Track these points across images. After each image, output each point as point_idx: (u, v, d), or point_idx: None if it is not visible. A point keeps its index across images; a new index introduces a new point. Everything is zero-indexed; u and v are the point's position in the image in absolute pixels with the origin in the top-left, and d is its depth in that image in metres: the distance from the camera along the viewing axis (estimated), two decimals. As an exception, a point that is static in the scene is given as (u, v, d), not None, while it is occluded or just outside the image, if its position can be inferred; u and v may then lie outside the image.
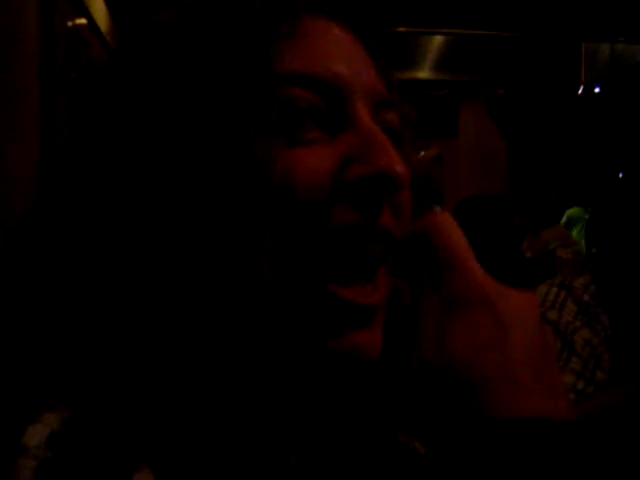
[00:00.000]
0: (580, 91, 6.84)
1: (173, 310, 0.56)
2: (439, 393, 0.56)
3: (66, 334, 0.56)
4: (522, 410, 0.53)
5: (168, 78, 0.59)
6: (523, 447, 0.51)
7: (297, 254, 0.57)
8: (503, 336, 0.56)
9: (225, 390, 0.58)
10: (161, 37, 0.62)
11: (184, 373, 0.56)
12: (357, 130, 0.59)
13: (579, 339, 1.71)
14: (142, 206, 0.56)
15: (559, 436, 0.52)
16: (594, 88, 6.82)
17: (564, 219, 6.36)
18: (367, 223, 0.58)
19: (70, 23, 3.33)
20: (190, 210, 0.55)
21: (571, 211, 6.49)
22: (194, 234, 0.55)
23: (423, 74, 6.95)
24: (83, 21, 3.59)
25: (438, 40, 6.56)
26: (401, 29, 5.12)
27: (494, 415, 0.53)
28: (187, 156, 0.56)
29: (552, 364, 0.58)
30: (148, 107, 0.59)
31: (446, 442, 0.56)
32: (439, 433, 0.57)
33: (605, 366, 1.71)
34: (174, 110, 0.57)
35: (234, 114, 0.57)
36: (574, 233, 5.85)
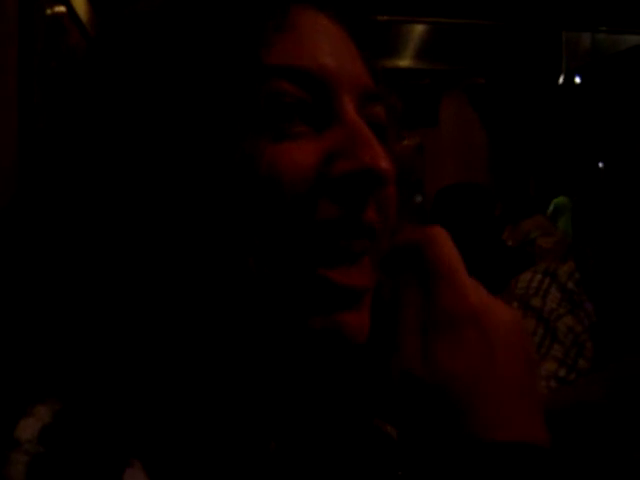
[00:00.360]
0: (561, 80, 6.86)
1: (159, 302, 0.56)
2: (420, 402, 0.55)
3: (58, 327, 0.56)
4: (504, 430, 0.53)
5: (151, 70, 0.58)
6: (503, 472, 0.51)
7: (284, 245, 0.57)
8: (490, 353, 0.55)
9: (216, 380, 0.58)
10: (144, 27, 0.61)
11: (175, 365, 0.56)
12: (343, 125, 0.59)
13: (562, 326, 1.71)
14: (125, 201, 0.56)
15: (538, 463, 0.52)
16: (575, 77, 6.85)
17: (551, 208, 6.38)
18: (351, 218, 0.58)
19: (49, 11, 3.30)
20: (175, 205, 0.56)
21: (557, 200, 6.51)
22: (179, 228, 0.56)
23: (404, 63, 6.95)
24: (62, 9, 3.56)
25: (419, 29, 6.56)
26: (383, 18, 5.12)
27: (475, 433, 0.53)
28: (171, 150, 0.56)
29: (534, 379, 0.58)
30: (131, 100, 0.58)
31: (423, 447, 0.56)
32: (414, 429, 0.57)
33: (588, 354, 1.71)
34: (158, 103, 0.57)
35: (220, 107, 0.56)
36: (561, 222, 5.87)
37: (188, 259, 0.56)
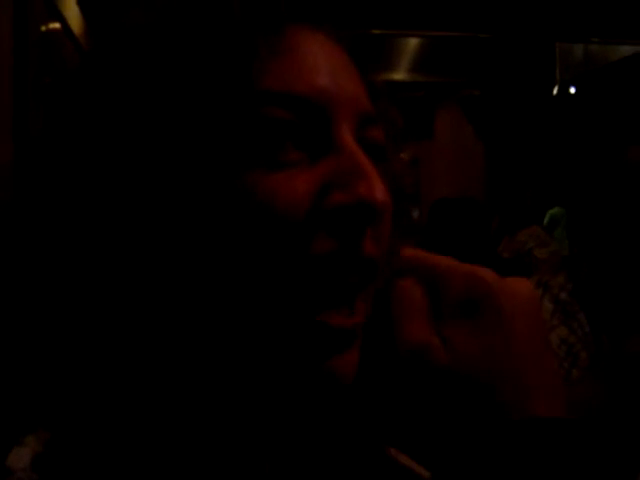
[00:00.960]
0: (555, 91, 6.88)
1: (153, 327, 0.55)
2: (443, 396, 0.56)
3: (50, 343, 0.55)
4: (530, 407, 0.54)
5: (143, 94, 0.57)
6: (535, 448, 0.52)
7: (278, 283, 0.55)
8: (509, 331, 0.56)
9: (208, 413, 0.58)
10: (136, 46, 0.59)
11: (167, 394, 0.56)
12: (339, 153, 0.57)
13: (555, 338, 1.71)
14: (120, 234, 0.55)
15: (566, 435, 0.53)
16: (569, 88, 6.87)
17: (546, 219, 6.38)
18: (348, 252, 0.56)
19: (44, 27, 3.31)
20: (164, 232, 0.55)
21: (553, 211, 6.52)
22: (170, 255, 0.55)
23: (399, 76, 6.97)
24: (57, 25, 3.57)
25: (414, 42, 6.58)
26: (376, 31, 5.13)
27: (502, 413, 0.54)
28: (160, 177, 0.55)
29: (551, 351, 0.59)
30: (123, 124, 0.57)
31: (453, 450, 0.56)
32: (442, 441, 0.57)
33: (582, 364, 1.71)
34: (148, 129, 0.56)
35: (211, 135, 0.55)
36: (557, 233, 5.87)
37: (181, 287, 0.55)
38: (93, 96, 0.60)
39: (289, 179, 0.55)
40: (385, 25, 5.15)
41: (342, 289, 0.57)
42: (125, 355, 0.55)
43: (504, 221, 4.96)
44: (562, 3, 4.98)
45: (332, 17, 0.64)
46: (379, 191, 0.55)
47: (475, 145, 7.92)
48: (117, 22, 0.64)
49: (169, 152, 0.55)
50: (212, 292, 0.55)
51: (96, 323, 0.55)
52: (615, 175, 1.79)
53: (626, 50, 6.09)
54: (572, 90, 6.86)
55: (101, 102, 0.58)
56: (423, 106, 8.10)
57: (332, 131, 0.58)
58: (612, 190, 1.78)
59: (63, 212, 0.57)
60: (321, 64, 0.59)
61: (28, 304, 0.57)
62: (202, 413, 0.57)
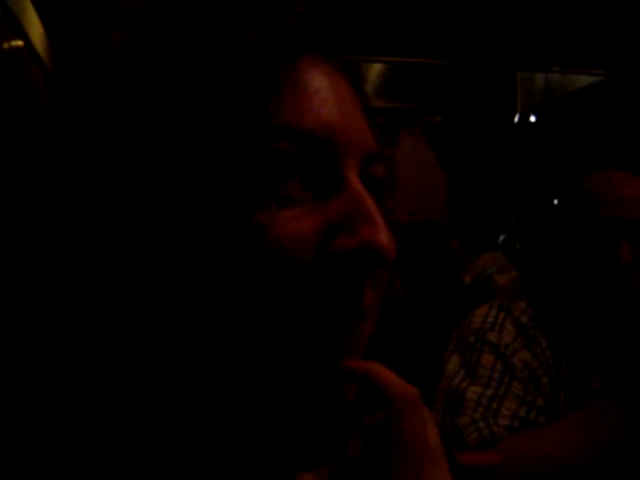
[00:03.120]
0: (516, 119, 6.97)
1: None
2: None
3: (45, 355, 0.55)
4: None
5: (151, 123, 0.55)
6: None
7: (282, 319, 0.55)
8: None
9: (210, 421, 0.57)
10: (143, 75, 0.57)
11: (168, 401, 0.56)
12: (345, 193, 0.57)
13: (519, 362, 1.72)
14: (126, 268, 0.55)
15: None
16: (530, 116, 6.96)
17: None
18: (352, 305, 0.56)
19: (6, 45, 3.29)
20: (170, 262, 0.54)
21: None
22: (176, 282, 0.54)
23: (362, 101, 7.00)
24: (19, 43, 3.54)
25: (377, 68, 6.63)
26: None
27: None
28: (170, 212, 0.54)
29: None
30: (130, 148, 0.55)
31: None
32: None
33: (544, 390, 1.72)
34: (158, 160, 0.54)
35: (217, 169, 0.54)
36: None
37: (186, 308, 0.54)
38: (101, 124, 0.57)
39: (296, 218, 0.55)
40: (349, 50, 5.18)
41: (338, 333, 0.57)
42: (126, 360, 0.55)
43: (464, 245, 4.99)
44: (524, 32, 5.05)
45: (312, 49, 0.64)
46: (384, 237, 0.55)
47: (437, 170, 7.97)
48: (98, 46, 0.62)
49: (180, 185, 0.54)
50: (214, 313, 0.54)
51: (95, 327, 0.54)
52: (570, 203, 1.81)
53: (587, 80, 6.18)
54: (532, 119, 6.94)
55: (110, 130, 0.57)
56: (385, 131, 8.14)
57: (339, 170, 0.58)
58: (567, 218, 1.81)
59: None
60: (330, 99, 0.59)
61: (26, 305, 0.56)
62: (203, 421, 0.57)
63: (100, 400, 0.54)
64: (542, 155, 6.59)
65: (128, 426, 0.54)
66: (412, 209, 5.05)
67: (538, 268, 1.96)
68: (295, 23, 0.61)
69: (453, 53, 5.41)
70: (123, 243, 0.54)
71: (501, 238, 6.45)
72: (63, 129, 0.60)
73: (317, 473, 0.57)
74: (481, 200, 7.21)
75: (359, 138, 0.60)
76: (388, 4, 4.68)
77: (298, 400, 0.57)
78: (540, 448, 1.54)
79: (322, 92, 0.59)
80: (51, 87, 0.63)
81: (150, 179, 0.54)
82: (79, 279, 0.55)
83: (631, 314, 1.71)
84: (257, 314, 0.54)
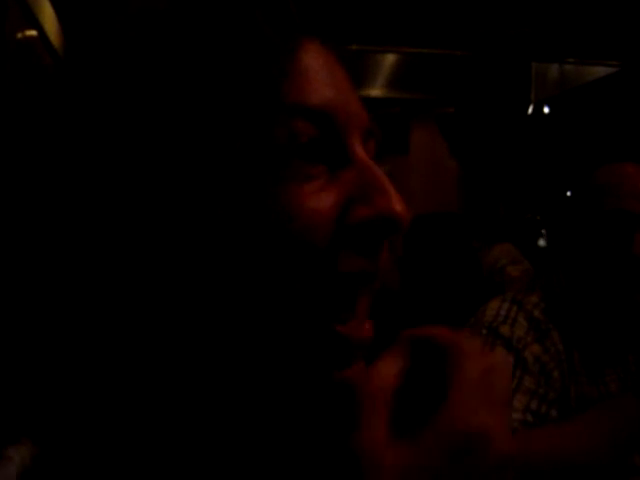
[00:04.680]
0: (530, 110, 6.93)
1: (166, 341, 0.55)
2: None
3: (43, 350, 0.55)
4: None
5: (168, 105, 0.55)
6: None
7: (302, 297, 0.56)
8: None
9: (211, 424, 0.57)
10: (153, 59, 0.57)
11: (166, 404, 0.55)
12: (356, 166, 0.59)
13: (530, 356, 1.71)
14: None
15: None
16: (544, 108, 6.92)
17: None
18: (372, 269, 0.58)
19: (20, 34, 3.29)
20: (189, 241, 0.54)
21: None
22: (195, 266, 0.54)
23: (375, 92, 6.98)
24: (33, 32, 3.55)
25: (390, 58, 6.61)
26: (353, 47, 5.15)
27: None
28: (188, 191, 0.54)
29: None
30: (145, 129, 0.55)
31: None
32: None
33: (554, 384, 1.71)
34: (173, 142, 0.55)
35: (237, 148, 0.55)
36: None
37: (204, 296, 0.54)
38: (113, 109, 0.57)
39: (314, 193, 0.56)
40: (362, 41, 5.17)
41: (355, 302, 0.59)
42: (124, 362, 0.55)
43: (477, 236, 4.98)
44: (539, 23, 5.03)
45: (310, 33, 0.64)
46: (399, 204, 0.57)
47: (449, 161, 7.95)
48: (108, 28, 0.62)
49: (198, 165, 0.54)
50: (229, 299, 0.55)
51: (94, 327, 0.54)
52: (583, 195, 1.80)
53: (601, 71, 6.15)
54: (546, 110, 6.90)
55: (122, 116, 0.57)
56: (399, 122, 8.13)
57: (347, 144, 0.60)
58: (580, 210, 1.80)
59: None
60: (332, 78, 0.61)
61: (27, 304, 0.56)
62: (204, 424, 0.57)
63: (101, 399, 0.54)
64: (556, 147, 6.56)
65: (128, 426, 0.54)
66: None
67: (551, 260, 1.95)
68: (295, 7, 0.62)
69: (467, 44, 5.40)
70: (130, 229, 0.55)
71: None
72: (66, 116, 0.60)
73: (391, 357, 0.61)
74: (494, 192, 7.20)
75: (359, 114, 0.63)
76: (402, -6, 4.67)
77: (311, 374, 0.58)
78: (555, 443, 1.54)
79: (324, 72, 0.61)
80: (55, 75, 0.63)
81: (167, 160, 0.55)
82: (79, 269, 0.55)
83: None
84: (280, 292, 0.55)
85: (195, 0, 0.59)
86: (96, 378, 0.54)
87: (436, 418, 0.57)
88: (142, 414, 0.55)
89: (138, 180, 0.55)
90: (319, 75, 0.60)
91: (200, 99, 0.55)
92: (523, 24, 5.08)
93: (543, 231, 6.40)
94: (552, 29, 5.11)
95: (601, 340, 1.80)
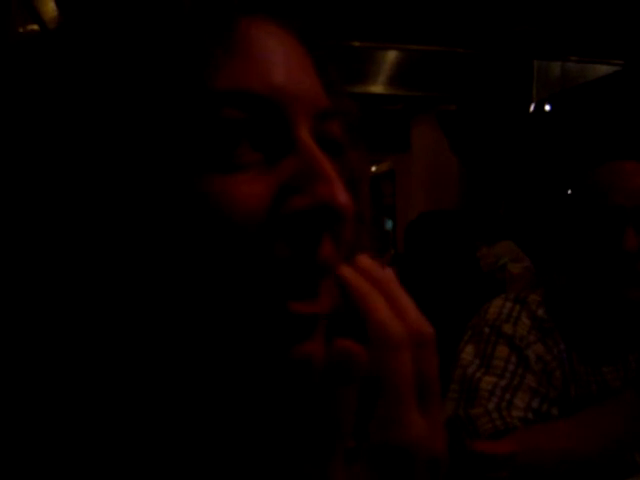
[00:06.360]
0: (532, 108, 6.93)
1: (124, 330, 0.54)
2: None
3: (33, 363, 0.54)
4: None
5: (93, 92, 0.55)
6: None
7: (240, 281, 0.54)
8: None
9: (186, 410, 0.57)
10: (83, 40, 0.57)
11: (147, 394, 0.55)
12: (297, 154, 0.56)
13: (532, 354, 1.72)
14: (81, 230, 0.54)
15: None
16: (545, 106, 6.92)
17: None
18: (304, 258, 0.55)
19: (22, 29, 3.29)
20: (124, 237, 0.53)
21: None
22: (133, 259, 0.54)
23: (377, 89, 6.97)
24: (35, 27, 3.54)
25: (392, 55, 6.60)
26: (355, 43, 5.14)
27: None
28: (115, 181, 0.53)
29: None
30: (76, 122, 0.54)
31: None
32: None
33: (556, 383, 1.71)
34: (99, 131, 0.54)
35: (164, 138, 0.53)
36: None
37: (148, 284, 0.54)
38: (44, 96, 0.57)
39: (247, 182, 0.54)
40: (364, 38, 5.17)
41: (302, 285, 0.56)
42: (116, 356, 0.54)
43: (478, 233, 4.98)
44: (541, 21, 5.02)
45: (311, 29, 0.63)
46: (340, 193, 0.54)
47: (450, 158, 7.95)
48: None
49: (125, 154, 0.53)
50: (176, 288, 0.54)
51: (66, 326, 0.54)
52: (581, 193, 1.80)
53: (603, 70, 6.14)
54: (548, 108, 6.90)
55: (56, 106, 0.56)
56: (400, 119, 8.12)
57: (290, 130, 0.57)
58: (578, 208, 1.80)
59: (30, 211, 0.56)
60: (276, 59, 0.58)
61: (23, 306, 0.55)
62: (180, 411, 0.56)
63: (98, 400, 0.54)
64: (557, 145, 6.56)
65: (127, 426, 0.54)
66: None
67: (552, 258, 1.95)
68: None
69: (469, 41, 5.39)
70: (74, 229, 0.54)
71: None
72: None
73: None
74: (495, 190, 7.19)
75: (308, 95, 0.59)
76: (404, -9, 4.67)
77: (268, 354, 0.56)
78: (555, 441, 1.54)
79: (265, 52, 0.58)
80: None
81: (94, 157, 0.54)
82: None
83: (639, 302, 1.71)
84: (211, 281, 0.54)
85: None
86: (91, 377, 0.54)
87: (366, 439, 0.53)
88: (137, 410, 0.54)
89: (64, 176, 0.54)
90: (262, 57, 0.58)
91: (121, 90, 0.54)
92: (525, 22, 5.07)
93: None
94: (554, 27, 5.10)
95: (600, 338, 1.80)
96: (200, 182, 0.53)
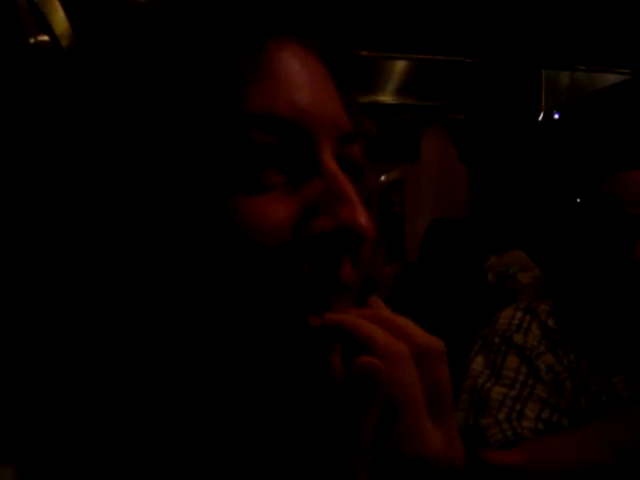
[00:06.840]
0: (540, 117, 6.92)
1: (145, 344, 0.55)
2: None
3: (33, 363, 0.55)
4: None
5: (127, 118, 0.56)
6: None
7: (264, 297, 0.55)
8: None
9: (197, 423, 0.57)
10: (118, 68, 0.58)
11: (157, 406, 0.55)
12: (321, 176, 0.57)
13: (542, 365, 1.71)
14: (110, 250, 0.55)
15: None
16: (554, 115, 6.91)
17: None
18: (326, 278, 0.57)
19: (32, 40, 3.30)
20: (152, 254, 0.54)
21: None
22: (161, 275, 0.54)
23: (386, 98, 6.98)
24: (45, 38, 3.56)
25: (401, 65, 6.61)
26: (364, 53, 5.15)
27: None
28: (143, 197, 0.54)
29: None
30: (112, 136, 0.56)
31: None
32: None
33: (566, 393, 1.71)
34: (131, 153, 0.55)
35: (194, 158, 0.54)
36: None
37: (171, 297, 0.55)
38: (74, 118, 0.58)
39: (272, 203, 0.56)
40: (373, 47, 5.17)
41: (321, 301, 0.57)
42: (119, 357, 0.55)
43: (487, 242, 4.98)
44: (549, 30, 5.02)
45: (320, 38, 0.64)
46: (362, 217, 0.55)
47: (460, 167, 7.94)
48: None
49: (157, 174, 0.54)
50: (202, 301, 0.55)
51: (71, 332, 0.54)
52: (591, 202, 1.80)
53: (612, 79, 6.14)
54: (556, 117, 6.89)
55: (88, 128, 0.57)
56: (409, 129, 8.13)
57: (314, 153, 0.58)
58: (588, 217, 1.80)
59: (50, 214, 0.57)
60: (301, 81, 0.59)
61: (26, 306, 0.56)
62: (193, 417, 0.57)
63: (99, 399, 0.54)
64: (565, 154, 6.55)
65: (127, 426, 0.54)
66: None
67: (560, 267, 1.95)
68: (260, 7, 0.61)
69: (478, 51, 5.39)
70: (97, 238, 0.55)
71: None
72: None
73: None
74: (504, 199, 7.19)
75: (332, 119, 0.61)
76: (412, 1, 4.67)
77: (289, 376, 0.57)
78: (566, 451, 1.53)
79: (292, 75, 0.59)
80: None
81: (123, 173, 0.55)
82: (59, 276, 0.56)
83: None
84: (236, 294, 0.55)
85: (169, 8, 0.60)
86: (92, 377, 0.54)
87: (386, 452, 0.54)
88: (137, 411, 0.55)
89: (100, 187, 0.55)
90: (288, 80, 0.59)
91: (151, 110, 0.55)
92: (534, 31, 5.07)
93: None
94: (563, 36, 5.10)
95: (610, 348, 1.79)
96: (228, 202, 0.55)
